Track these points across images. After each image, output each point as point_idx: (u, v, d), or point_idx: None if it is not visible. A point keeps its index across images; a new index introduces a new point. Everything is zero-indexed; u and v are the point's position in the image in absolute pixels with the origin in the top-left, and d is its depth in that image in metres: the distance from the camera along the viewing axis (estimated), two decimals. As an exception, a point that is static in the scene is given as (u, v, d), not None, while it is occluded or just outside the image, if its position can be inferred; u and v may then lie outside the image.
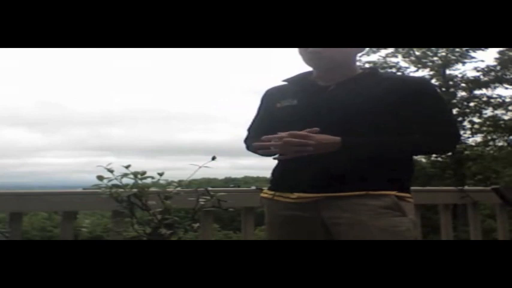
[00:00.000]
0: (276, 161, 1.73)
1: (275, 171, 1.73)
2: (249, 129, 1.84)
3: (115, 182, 1.79)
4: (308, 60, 1.65)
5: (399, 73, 16.59)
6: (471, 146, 16.50)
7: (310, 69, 1.71)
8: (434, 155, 16.08)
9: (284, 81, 1.75)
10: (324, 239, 1.55)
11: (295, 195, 1.57)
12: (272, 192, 1.68)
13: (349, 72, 1.64)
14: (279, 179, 1.68)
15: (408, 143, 1.57)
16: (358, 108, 1.54)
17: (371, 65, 16.59)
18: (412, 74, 16.43)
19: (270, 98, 1.76)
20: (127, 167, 1.81)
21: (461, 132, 16.48)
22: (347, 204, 1.51)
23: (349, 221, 1.49)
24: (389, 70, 16.71)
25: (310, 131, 1.48)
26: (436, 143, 1.60)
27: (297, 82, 1.71)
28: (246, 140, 1.82)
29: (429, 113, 1.57)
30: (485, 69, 15.73)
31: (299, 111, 1.60)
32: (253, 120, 1.84)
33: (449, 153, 16.15)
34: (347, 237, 1.49)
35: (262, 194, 1.77)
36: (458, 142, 1.83)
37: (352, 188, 1.51)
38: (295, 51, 1.71)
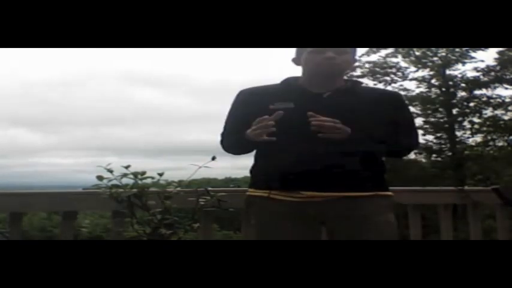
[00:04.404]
0: (257, 159, 1.76)
1: (264, 168, 1.72)
2: (226, 129, 1.80)
3: (115, 182, 1.79)
4: (317, 65, 1.68)
5: (399, 73, 16.63)
6: (471, 146, 16.47)
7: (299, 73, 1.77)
8: (434, 156, 16.11)
9: (273, 84, 1.79)
10: (326, 238, 1.62)
11: (304, 194, 1.60)
12: (266, 191, 1.66)
13: (339, 82, 1.75)
14: (274, 177, 1.66)
15: (394, 145, 1.73)
16: (354, 115, 1.64)
17: (371, 65, 16.60)
18: (413, 75, 16.43)
19: (256, 100, 1.74)
20: (127, 167, 1.81)
21: (461, 132, 16.48)
22: (357, 203, 1.60)
23: (359, 218, 1.59)
24: (389, 70, 16.70)
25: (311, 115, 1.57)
26: (406, 149, 1.87)
27: (283, 87, 1.76)
28: (224, 140, 1.79)
29: (405, 122, 1.78)
30: (485, 69, 15.69)
31: (298, 115, 1.60)
32: (232, 120, 1.79)
33: (450, 153, 16.16)
34: (356, 232, 1.57)
35: (250, 193, 1.76)
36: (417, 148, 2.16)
37: (362, 188, 1.62)
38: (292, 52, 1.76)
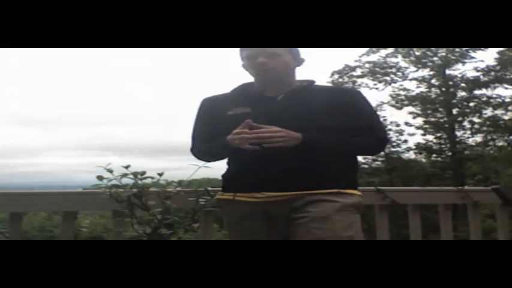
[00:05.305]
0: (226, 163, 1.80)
1: (231, 172, 1.78)
2: (194, 137, 1.83)
3: (115, 182, 1.79)
4: (254, 71, 1.74)
5: (399, 73, 16.63)
6: (471, 146, 16.50)
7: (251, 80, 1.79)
8: (434, 156, 16.11)
9: (234, 90, 1.81)
10: (291, 235, 1.63)
11: (265, 194, 1.65)
12: (231, 194, 1.73)
13: (291, 84, 1.77)
14: (239, 180, 1.72)
15: (353, 145, 1.72)
16: (308, 116, 1.67)
17: (371, 65, 16.60)
18: (413, 75, 16.42)
19: (216, 107, 1.79)
20: (127, 167, 1.81)
21: (461, 132, 16.50)
22: (317, 201, 1.61)
23: (315, 215, 1.59)
24: (389, 70, 16.70)
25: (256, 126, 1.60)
26: (373, 145, 1.80)
27: (240, 92, 1.80)
28: (194, 148, 1.82)
29: (365, 118, 1.75)
30: (485, 69, 15.72)
31: (254, 119, 1.62)
32: (197, 128, 1.84)
33: (450, 153, 16.17)
34: (308, 229, 1.58)
35: (218, 196, 1.82)
36: (387, 145, 1.98)
37: (324, 186, 1.63)
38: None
